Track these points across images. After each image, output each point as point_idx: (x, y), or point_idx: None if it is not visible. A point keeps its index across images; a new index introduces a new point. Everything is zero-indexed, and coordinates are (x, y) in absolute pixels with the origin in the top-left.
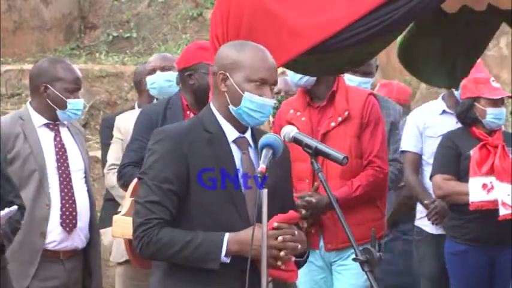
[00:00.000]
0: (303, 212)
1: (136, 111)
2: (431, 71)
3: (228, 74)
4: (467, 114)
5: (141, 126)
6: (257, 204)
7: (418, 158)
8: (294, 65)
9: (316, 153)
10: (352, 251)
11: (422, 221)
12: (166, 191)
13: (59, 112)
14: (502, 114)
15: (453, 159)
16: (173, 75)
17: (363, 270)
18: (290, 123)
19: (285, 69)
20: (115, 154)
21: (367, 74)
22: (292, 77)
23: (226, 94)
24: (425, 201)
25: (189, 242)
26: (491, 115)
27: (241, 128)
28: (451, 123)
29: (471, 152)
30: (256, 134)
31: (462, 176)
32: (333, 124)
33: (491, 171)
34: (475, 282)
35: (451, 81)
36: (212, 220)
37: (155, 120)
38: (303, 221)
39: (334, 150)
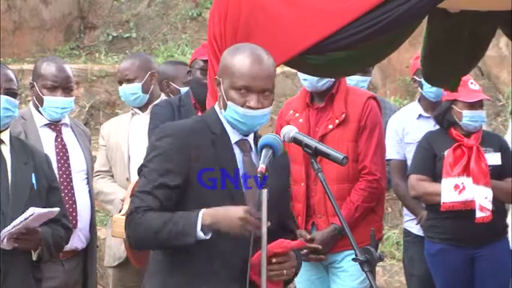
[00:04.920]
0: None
1: (124, 117)
2: (432, 70)
3: (220, 79)
4: (444, 117)
5: (159, 116)
6: (257, 204)
7: (403, 164)
8: (304, 67)
9: (316, 153)
10: (348, 253)
11: (409, 223)
12: (161, 183)
13: (41, 109)
14: (479, 116)
15: (428, 160)
16: (138, 87)
17: (363, 270)
18: (288, 123)
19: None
20: (100, 161)
21: (365, 72)
22: (312, 81)
23: (220, 99)
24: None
25: (167, 220)
26: (467, 117)
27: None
28: (429, 127)
29: (445, 153)
30: (259, 139)
31: (437, 177)
32: (330, 126)
33: (463, 172)
34: (457, 282)
35: (452, 82)
36: None
37: (171, 110)
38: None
39: (334, 150)
